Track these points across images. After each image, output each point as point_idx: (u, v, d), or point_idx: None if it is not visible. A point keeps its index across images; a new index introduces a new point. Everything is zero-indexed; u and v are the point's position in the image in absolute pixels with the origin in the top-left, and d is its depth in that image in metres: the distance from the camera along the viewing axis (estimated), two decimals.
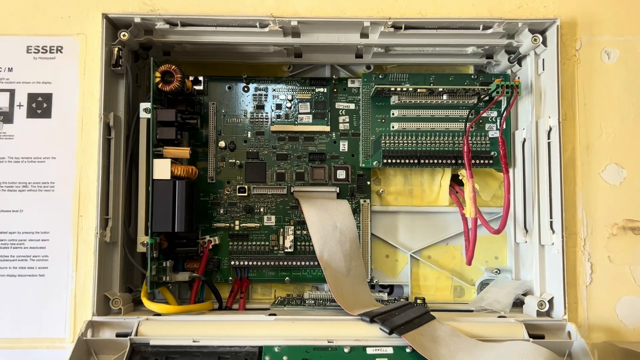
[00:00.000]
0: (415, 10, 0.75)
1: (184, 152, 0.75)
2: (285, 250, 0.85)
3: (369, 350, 0.65)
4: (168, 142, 0.76)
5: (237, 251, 0.86)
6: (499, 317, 0.74)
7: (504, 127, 0.85)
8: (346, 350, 0.65)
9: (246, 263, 0.84)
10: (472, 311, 0.80)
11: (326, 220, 0.78)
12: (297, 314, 0.75)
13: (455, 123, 0.85)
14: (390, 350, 0.65)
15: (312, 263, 0.84)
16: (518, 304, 0.79)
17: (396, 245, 0.88)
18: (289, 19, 0.74)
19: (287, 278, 0.86)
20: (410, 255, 0.88)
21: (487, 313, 0.77)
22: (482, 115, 0.85)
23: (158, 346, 0.66)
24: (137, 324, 0.68)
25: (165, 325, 0.69)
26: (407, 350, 0.64)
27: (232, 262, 0.84)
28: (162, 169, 0.73)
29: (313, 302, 0.82)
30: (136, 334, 0.67)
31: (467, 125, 0.80)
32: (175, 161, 0.75)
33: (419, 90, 0.80)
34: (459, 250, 0.89)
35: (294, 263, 0.84)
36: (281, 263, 0.84)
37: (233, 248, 0.86)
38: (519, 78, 0.80)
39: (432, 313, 0.71)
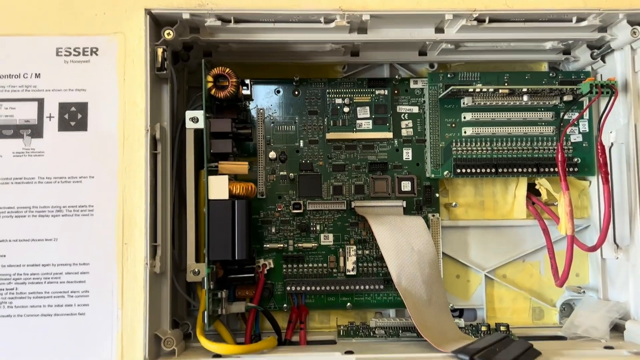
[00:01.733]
0: (501, 1, 0.66)
1: (242, 167, 0.65)
2: (347, 273, 0.76)
3: None
4: (223, 157, 0.66)
5: (292, 275, 0.76)
6: (605, 347, 0.65)
7: (589, 130, 0.76)
8: None
9: (303, 288, 0.75)
10: (564, 338, 0.72)
11: (401, 240, 0.69)
12: (375, 349, 0.66)
13: (534, 127, 0.76)
14: None
15: (376, 287, 0.75)
16: (615, 328, 0.70)
17: (468, 264, 0.79)
18: (360, 13, 0.65)
19: (348, 304, 0.77)
20: (485, 275, 0.79)
21: (585, 341, 0.69)
22: (564, 118, 0.76)
23: None
24: None
25: None
26: None
27: (288, 288, 0.75)
28: (219, 188, 0.64)
29: (383, 331, 0.73)
30: None
31: (563, 129, 0.71)
32: (231, 178, 0.66)
33: (500, 90, 0.71)
34: (536, 268, 0.80)
35: (357, 287, 0.75)
36: (342, 287, 0.75)
37: (287, 272, 0.77)
38: (614, 77, 0.71)
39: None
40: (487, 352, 0.60)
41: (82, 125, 0.64)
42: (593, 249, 0.70)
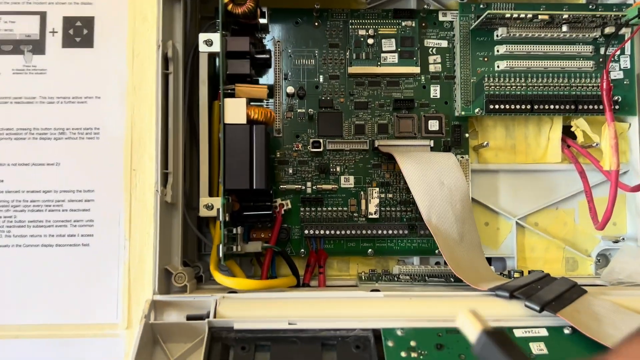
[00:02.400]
0: None
1: (261, 90, 0.60)
2: (369, 216, 0.71)
3: (517, 333, 0.51)
4: (240, 79, 0.61)
5: (310, 218, 0.71)
6: None
7: (630, 67, 0.71)
8: None
9: (321, 232, 0.70)
10: (604, 286, 0.67)
11: (430, 176, 0.64)
12: (403, 290, 0.61)
13: (572, 62, 0.70)
14: (544, 332, 0.51)
15: (399, 232, 0.70)
16: None
17: (498, 210, 0.74)
18: None
19: (370, 250, 0.72)
20: (516, 221, 0.74)
21: (628, 287, 0.64)
22: (600, 53, 0.70)
23: (244, 330, 0.52)
24: (215, 303, 0.54)
25: (250, 305, 0.54)
26: (566, 331, 0.51)
27: (306, 231, 0.70)
28: (236, 111, 0.58)
29: (408, 277, 0.68)
30: (214, 316, 0.53)
31: (609, 57, 0.66)
32: (249, 102, 0.60)
33: (540, 17, 0.66)
34: (571, 216, 0.75)
35: (379, 232, 0.70)
36: (363, 232, 0.70)
37: (305, 215, 0.71)
38: None
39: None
40: (529, 288, 0.55)
41: (88, 42, 0.59)
42: (636, 188, 0.65)
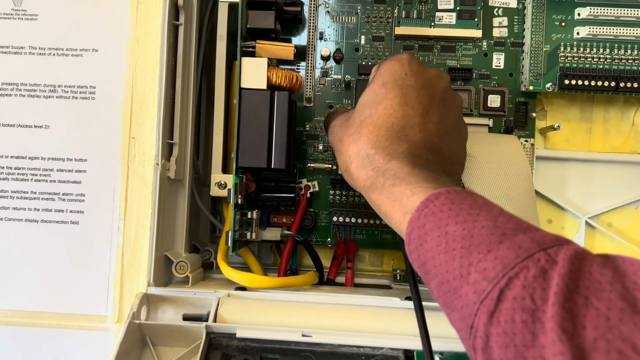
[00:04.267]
0: None
1: (287, 50, 0.50)
2: None
3: None
4: (263, 34, 0.51)
5: (340, 203, 0.61)
6: None
7: None
8: None
9: (353, 220, 0.60)
10: None
11: (487, 163, 0.53)
12: None
13: None
14: None
15: None
16: None
17: (565, 206, 0.62)
18: None
19: None
20: (585, 220, 0.62)
21: None
22: None
23: (249, 339, 0.43)
24: (217, 302, 0.45)
25: (259, 307, 0.45)
26: None
27: (335, 218, 0.60)
28: (255, 74, 0.48)
29: None
30: (215, 319, 0.44)
31: None
32: (271, 63, 0.50)
33: None
34: None
35: None
36: None
37: (335, 199, 0.61)
38: None
39: None
40: None
41: None
42: None
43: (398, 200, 0.36)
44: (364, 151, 0.40)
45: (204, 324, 0.43)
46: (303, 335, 0.43)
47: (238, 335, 0.43)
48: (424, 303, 0.46)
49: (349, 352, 0.43)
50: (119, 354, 0.40)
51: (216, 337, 0.43)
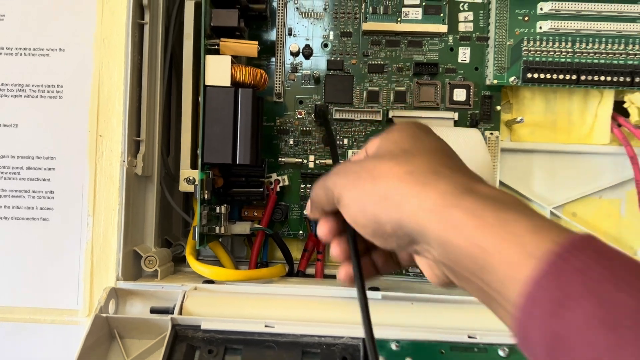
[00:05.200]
0: None
1: (250, 47, 0.51)
2: None
3: None
4: (227, 32, 0.52)
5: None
6: None
7: None
8: (502, 353, 0.42)
9: None
10: None
11: None
12: (406, 289, 0.52)
13: (631, 24, 0.58)
14: None
15: None
16: None
17: (530, 196, 0.64)
18: None
19: None
20: (550, 210, 0.63)
21: None
22: None
23: (213, 331, 0.44)
24: (183, 295, 0.46)
25: (223, 300, 0.47)
26: None
27: (305, 211, 0.61)
28: (219, 71, 0.49)
29: (418, 270, 0.59)
30: (180, 312, 0.45)
31: None
32: (235, 60, 0.51)
33: None
34: (616, 207, 0.64)
35: None
36: None
37: (306, 192, 0.63)
38: None
39: None
40: None
41: None
42: None
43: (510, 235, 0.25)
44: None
45: (170, 316, 0.44)
46: (266, 326, 0.44)
47: (203, 327, 0.44)
48: (389, 293, 0.48)
49: (310, 341, 0.44)
50: (84, 348, 0.41)
51: (182, 329, 0.44)
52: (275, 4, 0.62)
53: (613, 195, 0.64)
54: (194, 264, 0.50)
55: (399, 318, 0.45)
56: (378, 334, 0.42)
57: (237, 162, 0.50)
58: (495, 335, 0.43)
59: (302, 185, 0.63)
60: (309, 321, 0.45)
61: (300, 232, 0.63)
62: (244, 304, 0.46)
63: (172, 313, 0.45)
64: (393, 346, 0.42)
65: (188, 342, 0.44)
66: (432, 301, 0.47)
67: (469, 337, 0.43)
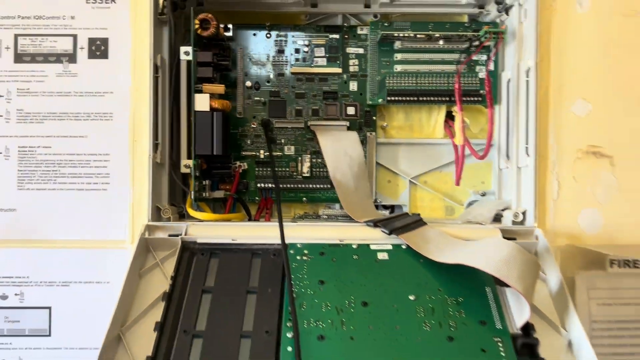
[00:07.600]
0: None
1: (219, 88, 0.89)
2: (303, 175, 1.00)
3: (372, 247, 0.80)
4: (206, 80, 0.90)
5: (262, 176, 1.01)
6: (480, 224, 0.89)
7: (492, 68, 0.98)
8: (354, 246, 0.81)
9: (270, 185, 1.00)
10: (456, 223, 0.96)
11: (338, 148, 0.93)
12: (314, 222, 0.91)
13: (450, 65, 0.98)
14: (389, 247, 0.80)
15: (325, 186, 0.99)
16: (499, 219, 0.94)
17: (397, 172, 1.03)
18: None
19: (304, 198, 1.01)
20: (409, 180, 1.03)
21: (470, 223, 0.93)
22: (474, 59, 0.98)
23: (204, 244, 0.82)
24: (186, 227, 0.84)
25: (209, 229, 0.85)
26: (403, 247, 0.80)
27: (258, 185, 1.00)
28: (202, 102, 0.88)
29: (327, 217, 0.98)
30: (185, 235, 0.83)
31: (459, 66, 0.94)
32: (212, 96, 0.90)
33: (418, 35, 0.94)
34: (450, 177, 1.03)
35: (310, 186, 1.00)
36: (299, 186, 1.00)
37: (259, 173, 1.01)
38: (505, 25, 0.93)
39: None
40: (387, 221, 0.84)
41: (104, 55, 0.89)
42: (482, 157, 0.93)
43: None
44: None
45: (180, 237, 0.82)
46: (232, 240, 0.82)
47: (198, 242, 0.82)
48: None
49: (257, 247, 0.82)
50: (135, 255, 0.79)
51: (187, 243, 0.82)
52: (237, 56, 1.01)
53: (448, 169, 1.03)
54: (191, 212, 0.88)
55: (303, 233, 0.83)
56: (291, 241, 0.80)
57: (214, 153, 0.88)
58: (353, 240, 0.82)
59: (257, 169, 1.01)
60: (255, 237, 0.83)
61: (256, 197, 1.01)
62: (220, 230, 0.85)
63: (181, 235, 0.83)
64: (298, 245, 0.80)
65: (190, 250, 0.82)
66: (322, 225, 0.86)
67: (339, 240, 0.82)
